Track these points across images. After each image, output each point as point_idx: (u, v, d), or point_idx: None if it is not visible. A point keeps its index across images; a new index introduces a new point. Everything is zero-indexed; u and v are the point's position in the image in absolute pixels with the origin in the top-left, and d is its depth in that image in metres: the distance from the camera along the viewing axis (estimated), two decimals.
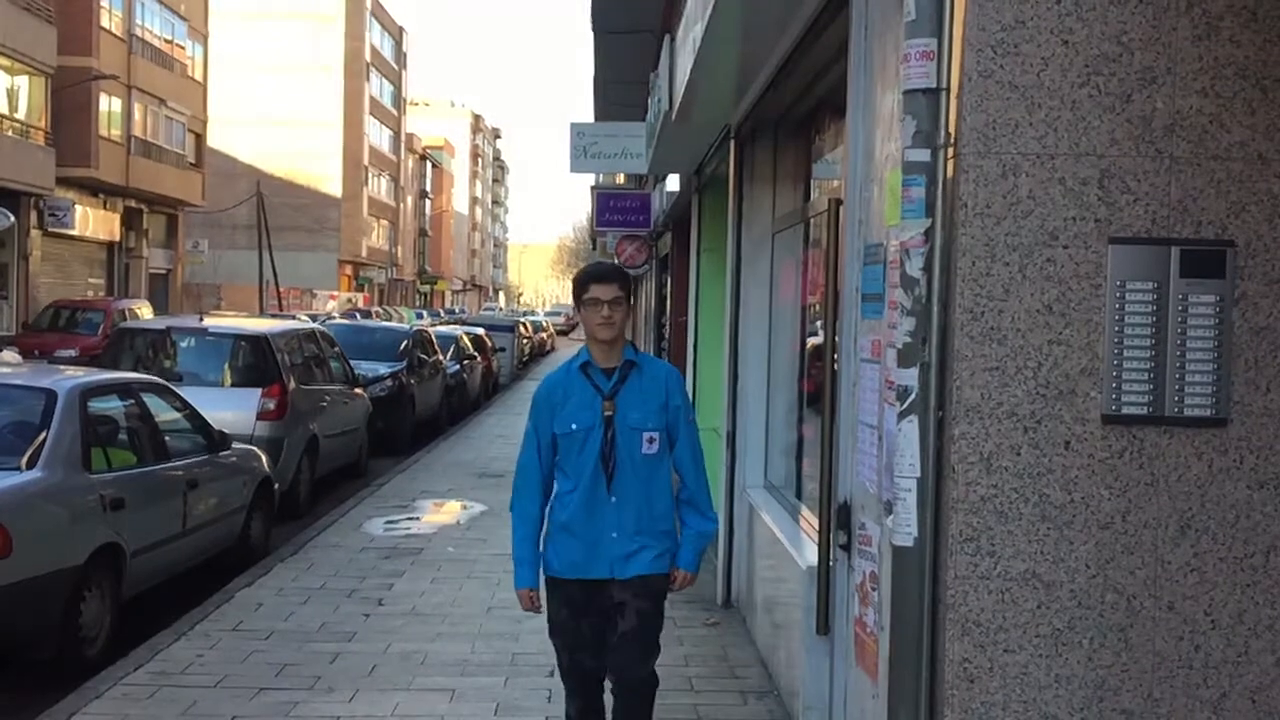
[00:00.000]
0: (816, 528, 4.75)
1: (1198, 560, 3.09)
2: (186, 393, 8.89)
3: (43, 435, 6.47)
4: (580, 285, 4.12)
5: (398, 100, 77.98)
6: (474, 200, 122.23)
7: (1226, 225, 3.07)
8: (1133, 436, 3.08)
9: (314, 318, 29.64)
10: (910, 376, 3.10)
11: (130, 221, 38.23)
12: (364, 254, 67.74)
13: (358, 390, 13.92)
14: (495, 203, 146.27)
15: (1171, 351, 3.06)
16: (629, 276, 4.14)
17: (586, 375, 4.13)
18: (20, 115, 30.79)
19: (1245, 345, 3.08)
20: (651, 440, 4.07)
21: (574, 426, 4.07)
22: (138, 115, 37.59)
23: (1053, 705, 3.09)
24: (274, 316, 30.49)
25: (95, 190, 35.37)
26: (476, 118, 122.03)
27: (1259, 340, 3.07)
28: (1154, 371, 3.06)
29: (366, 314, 44.97)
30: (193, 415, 8.45)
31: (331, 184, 63.34)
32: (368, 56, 68.09)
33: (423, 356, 18.47)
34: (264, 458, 9.48)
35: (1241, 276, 3.07)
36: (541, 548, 4.18)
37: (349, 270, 66.81)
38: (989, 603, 3.08)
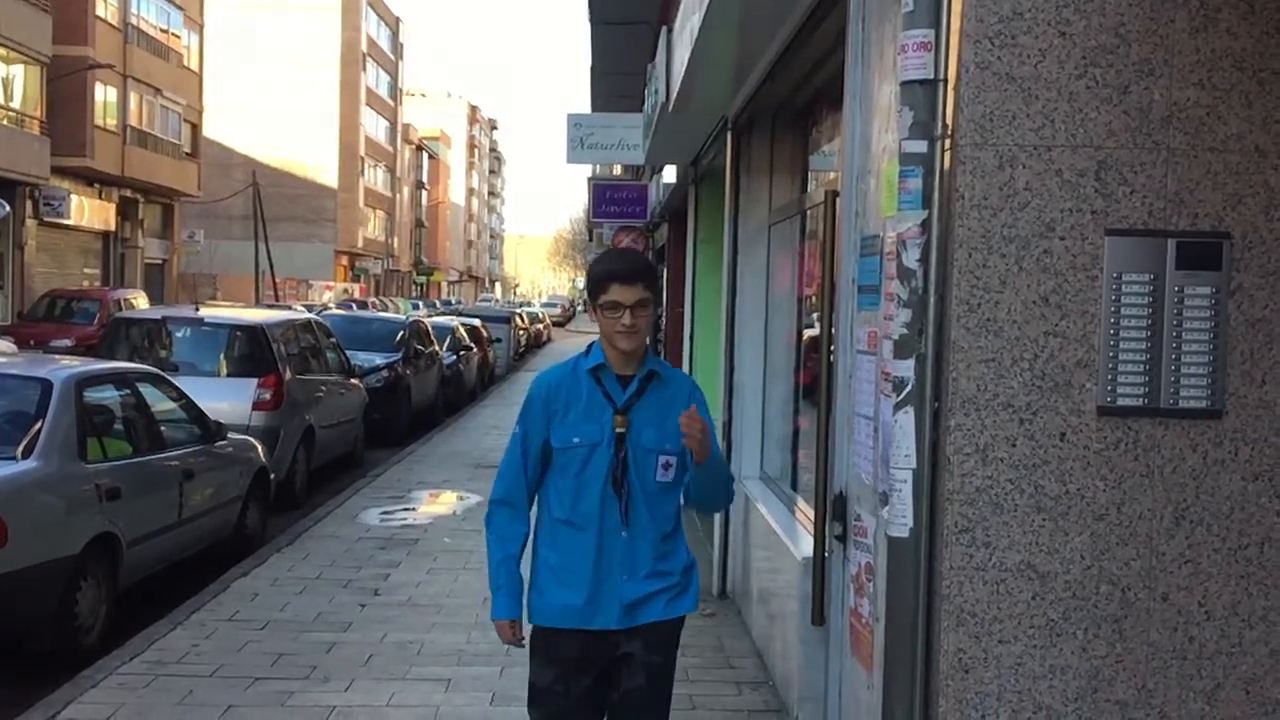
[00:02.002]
0: (812, 519, 4.76)
1: (1192, 552, 3.10)
2: (182, 383, 8.88)
3: (38, 425, 6.47)
4: (597, 284, 3.38)
5: (394, 91, 77.82)
6: (470, 191, 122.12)
7: (1223, 217, 3.07)
8: (1128, 428, 3.08)
9: (310, 308, 29.58)
10: (906, 368, 3.10)
11: (126, 211, 38.17)
12: (360, 245, 67.66)
13: (354, 381, 13.92)
14: (492, 194, 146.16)
15: (1167, 343, 3.07)
16: (656, 271, 3.40)
17: (597, 380, 3.43)
18: (16, 104, 30.72)
19: (1241, 337, 3.08)
20: (668, 466, 3.41)
21: (576, 440, 3.39)
22: (133, 105, 37.52)
23: (1047, 696, 3.10)
24: (270, 307, 30.46)
25: (91, 180, 35.31)
26: (473, 109, 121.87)
27: (1254, 332, 3.08)
28: (1150, 363, 3.07)
29: (363, 304, 44.88)
30: (189, 405, 8.45)
31: (328, 174, 63.24)
32: (364, 47, 67.93)
33: (419, 347, 18.45)
34: (260, 448, 9.48)
35: (1237, 269, 3.07)
36: (525, 588, 3.49)
37: (345, 261, 66.74)
38: (984, 593, 3.08)
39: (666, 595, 3.45)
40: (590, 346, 3.50)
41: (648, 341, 3.36)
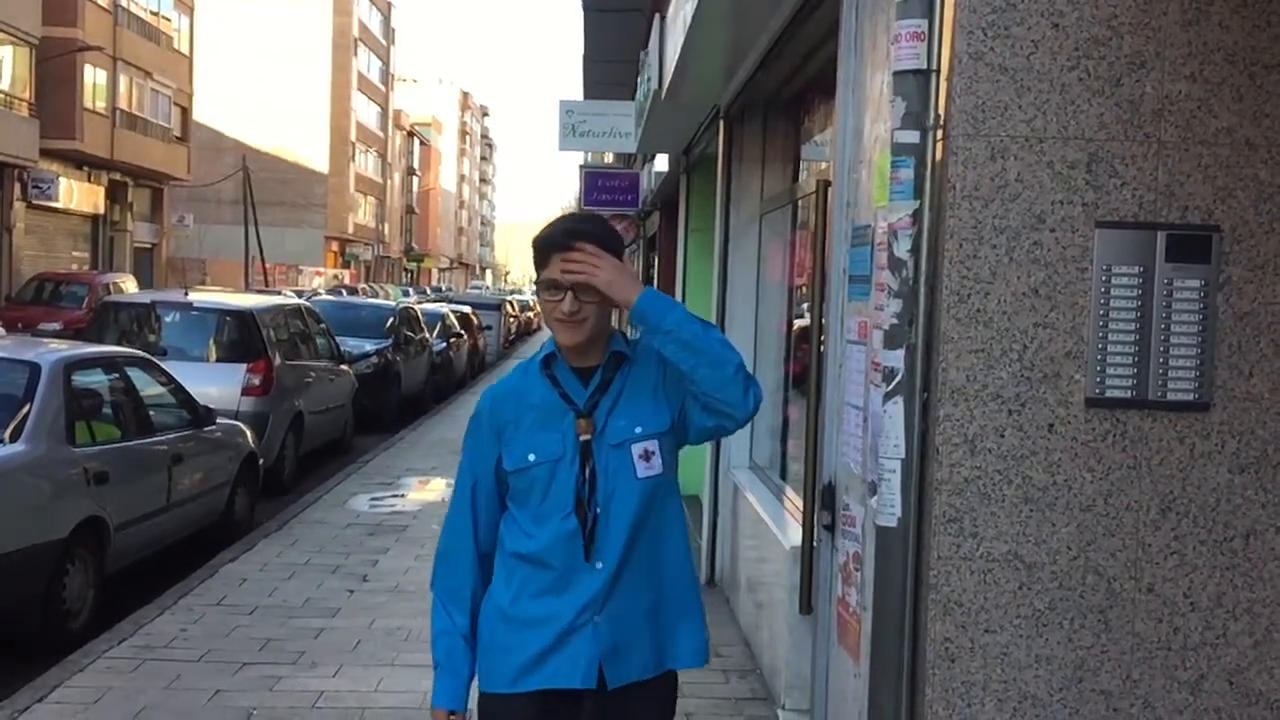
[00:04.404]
0: (801, 508, 4.77)
1: (1178, 543, 3.11)
2: (171, 367, 8.87)
3: (26, 408, 6.45)
4: (536, 255, 2.65)
5: (386, 76, 77.57)
6: (461, 178, 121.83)
7: (1213, 210, 3.08)
8: (1116, 420, 3.09)
9: (300, 294, 29.53)
10: (896, 358, 3.11)
11: (115, 195, 38.02)
12: (350, 231, 67.48)
13: (343, 367, 13.90)
14: (483, 180, 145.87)
15: (1156, 335, 3.08)
16: (614, 242, 2.66)
17: (551, 377, 2.69)
18: (4, 86, 30.55)
19: (1229, 330, 3.09)
20: (648, 455, 2.64)
21: (532, 458, 2.64)
22: (123, 88, 37.34)
23: (1033, 685, 3.11)
24: (259, 292, 30.40)
25: (80, 163, 35.15)
26: (465, 95, 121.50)
27: (1242, 325, 3.09)
28: (1138, 355, 3.08)
29: (353, 291, 44.80)
30: (177, 390, 8.43)
31: (318, 160, 63.02)
32: (356, 32, 67.67)
33: (409, 334, 18.44)
34: (249, 433, 9.47)
35: (1226, 262, 3.08)
36: (471, 667, 2.72)
37: (335, 247, 66.56)
38: (971, 583, 3.09)
39: (656, 642, 2.69)
40: (547, 341, 2.78)
41: (613, 326, 2.78)
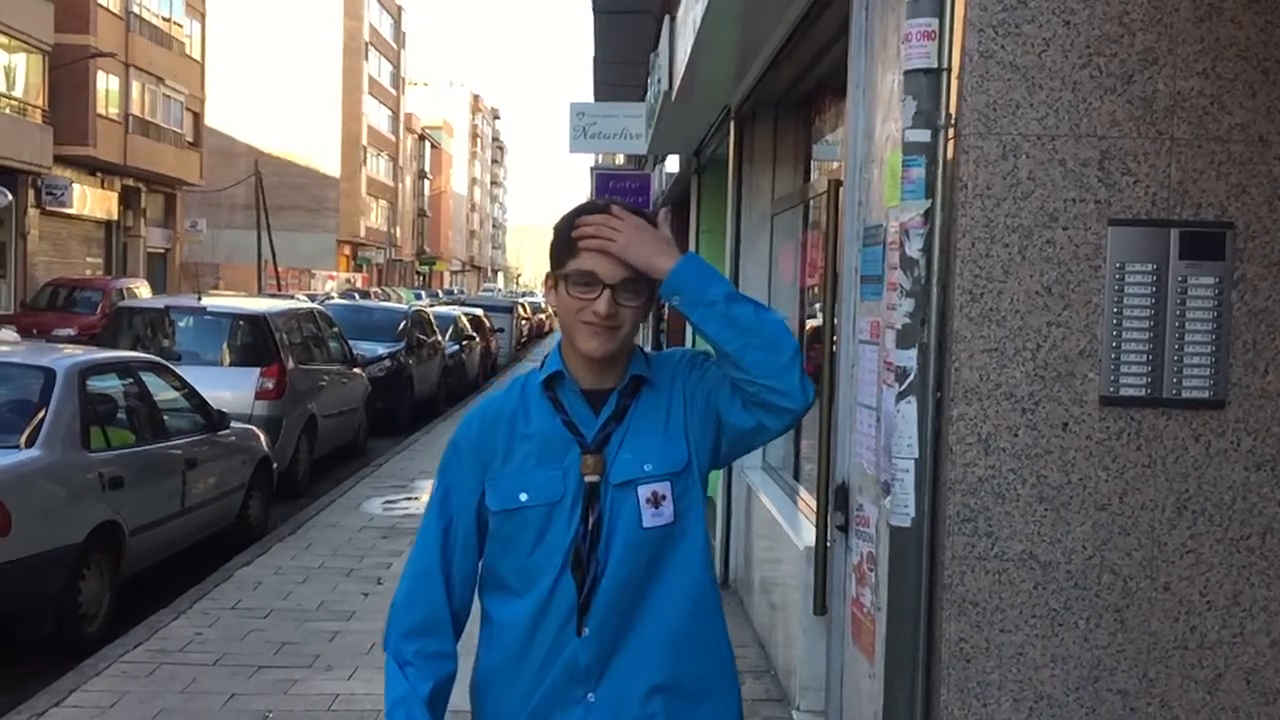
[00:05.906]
0: (814, 509, 4.76)
1: (1194, 542, 3.10)
2: (185, 372, 8.90)
3: (41, 414, 6.48)
4: (564, 243, 2.15)
5: (396, 80, 77.77)
6: (473, 181, 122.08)
7: (1226, 207, 3.06)
8: (1130, 418, 3.08)
9: (312, 298, 29.63)
10: (909, 358, 3.10)
11: (128, 200, 38.20)
12: (362, 234, 67.66)
13: (356, 370, 13.93)
14: (494, 183, 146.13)
15: (1170, 333, 3.06)
16: (645, 214, 2.21)
17: (555, 402, 2.21)
18: (18, 93, 30.72)
19: (1244, 327, 3.07)
20: (657, 499, 2.17)
21: (524, 498, 2.18)
22: (136, 94, 37.53)
23: (1048, 685, 3.10)
24: (272, 296, 30.48)
25: (93, 169, 35.33)
26: (475, 98, 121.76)
27: (1257, 322, 3.07)
28: (1152, 353, 3.06)
29: (365, 294, 44.94)
30: (191, 394, 8.46)
31: (330, 164, 63.22)
32: (366, 35, 67.84)
33: (421, 337, 18.48)
34: (263, 437, 9.50)
35: (1241, 259, 3.06)
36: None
37: (347, 250, 66.76)
38: (986, 583, 3.09)
39: None
40: (549, 354, 2.29)
41: (643, 328, 2.54)
